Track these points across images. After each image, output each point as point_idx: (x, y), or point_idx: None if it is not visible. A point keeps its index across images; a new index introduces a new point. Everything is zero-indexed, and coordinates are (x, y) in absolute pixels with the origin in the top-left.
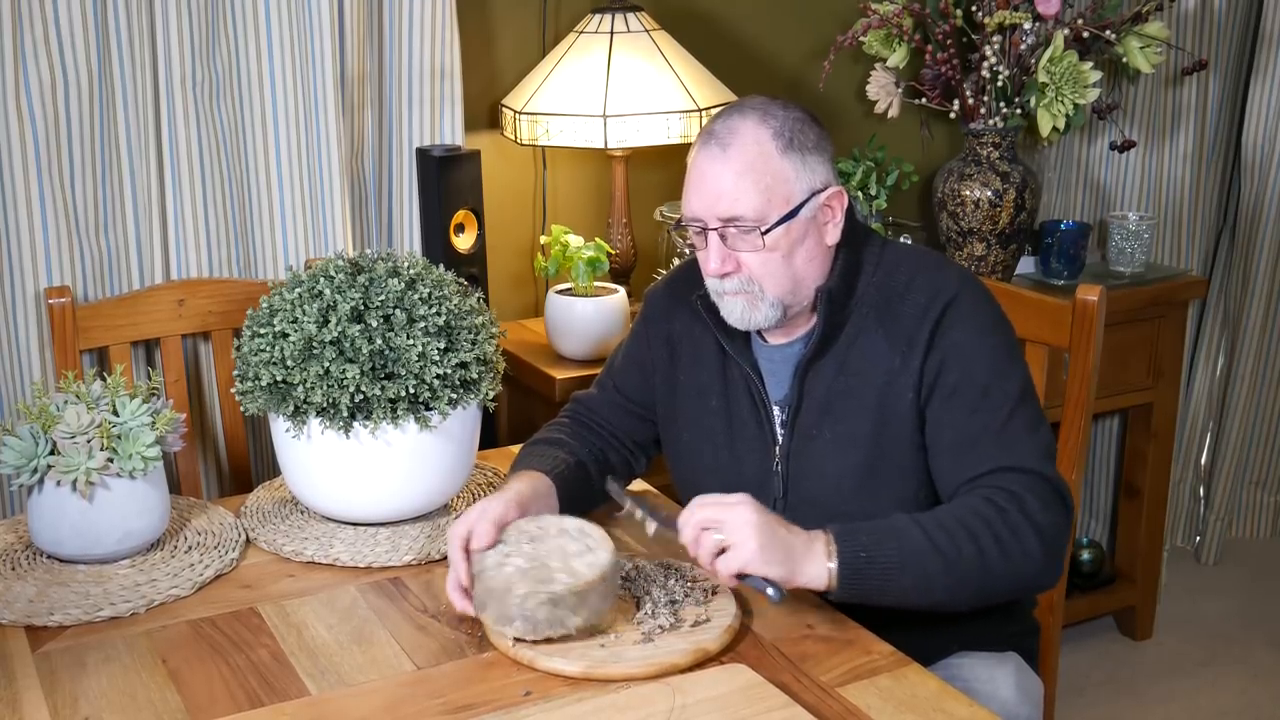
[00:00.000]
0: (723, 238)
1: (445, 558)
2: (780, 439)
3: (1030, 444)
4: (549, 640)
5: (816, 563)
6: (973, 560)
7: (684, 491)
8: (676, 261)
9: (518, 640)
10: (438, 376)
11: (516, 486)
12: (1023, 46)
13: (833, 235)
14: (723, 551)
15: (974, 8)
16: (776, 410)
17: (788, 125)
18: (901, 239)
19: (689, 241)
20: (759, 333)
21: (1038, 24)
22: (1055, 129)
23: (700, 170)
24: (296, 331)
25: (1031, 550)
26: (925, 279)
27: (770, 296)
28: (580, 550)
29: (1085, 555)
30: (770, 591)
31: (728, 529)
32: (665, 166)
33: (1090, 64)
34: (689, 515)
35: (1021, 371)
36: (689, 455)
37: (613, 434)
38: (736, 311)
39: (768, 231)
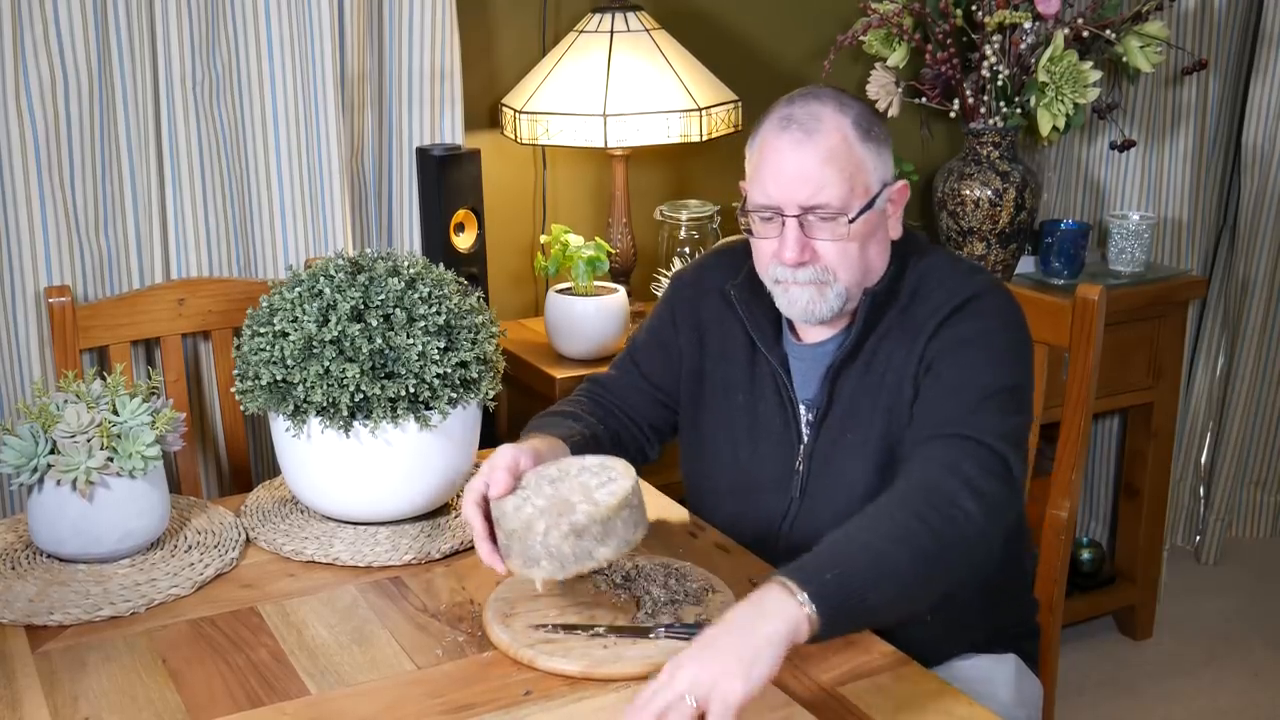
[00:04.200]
0: (801, 226)
1: (445, 557)
2: (805, 439)
3: (993, 421)
4: (580, 621)
5: (776, 613)
6: (924, 535)
7: (696, 485)
8: (676, 261)
9: (546, 582)
10: (438, 376)
11: (532, 442)
12: (1023, 46)
13: (896, 229)
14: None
15: (974, 7)
16: (804, 410)
17: (864, 115)
18: None
19: (746, 227)
20: (792, 329)
21: (1038, 23)
22: (1055, 129)
23: (781, 155)
24: (296, 331)
25: (971, 511)
26: (951, 284)
27: (840, 286)
28: (602, 482)
29: (1085, 555)
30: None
31: (697, 693)
32: (665, 166)
33: (1090, 63)
34: None
35: (1016, 375)
36: (708, 449)
37: (629, 416)
38: (802, 301)
39: (854, 219)
